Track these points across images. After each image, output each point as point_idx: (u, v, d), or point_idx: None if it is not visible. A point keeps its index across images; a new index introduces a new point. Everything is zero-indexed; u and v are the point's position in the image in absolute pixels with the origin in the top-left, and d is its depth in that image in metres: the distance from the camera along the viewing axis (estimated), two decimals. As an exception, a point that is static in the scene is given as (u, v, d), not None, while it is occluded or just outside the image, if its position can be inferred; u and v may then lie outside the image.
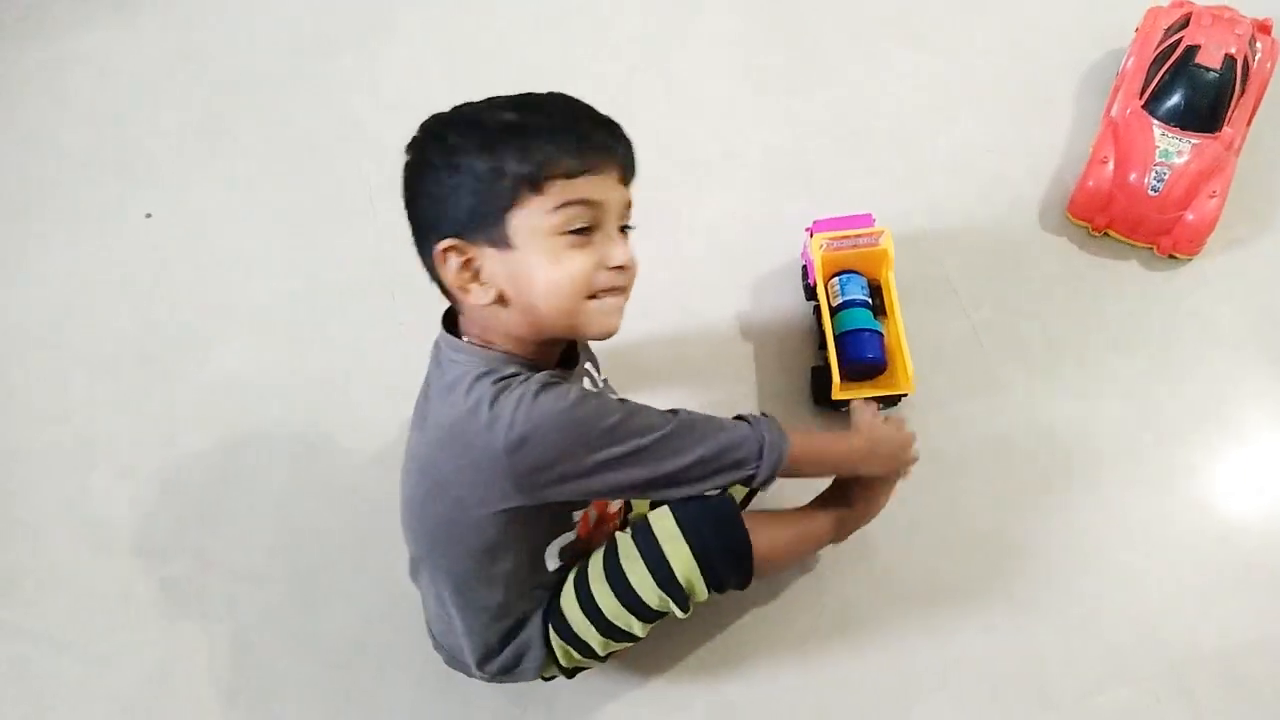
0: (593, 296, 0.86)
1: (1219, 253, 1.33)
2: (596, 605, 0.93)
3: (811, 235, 1.24)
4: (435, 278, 0.89)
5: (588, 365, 1.03)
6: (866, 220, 1.25)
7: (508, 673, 1.00)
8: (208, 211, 1.50)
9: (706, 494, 0.90)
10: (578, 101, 0.87)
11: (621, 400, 0.89)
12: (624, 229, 0.89)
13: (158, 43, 1.67)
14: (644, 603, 0.92)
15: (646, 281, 1.21)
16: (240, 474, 1.29)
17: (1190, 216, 1.27)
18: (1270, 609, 1.13)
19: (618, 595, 0.92)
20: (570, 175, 0.82)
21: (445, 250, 0.84)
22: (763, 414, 0.94)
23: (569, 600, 0.95)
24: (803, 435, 0.94)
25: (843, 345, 1.19)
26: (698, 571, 0.91)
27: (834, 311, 1.21)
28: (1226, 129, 1.28)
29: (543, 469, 0.82)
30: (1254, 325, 1.28)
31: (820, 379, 1.22)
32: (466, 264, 0.85)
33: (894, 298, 1.21)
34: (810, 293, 1.29)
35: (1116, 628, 1.13)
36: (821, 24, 1.56)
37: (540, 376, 0.84)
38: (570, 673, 1.03)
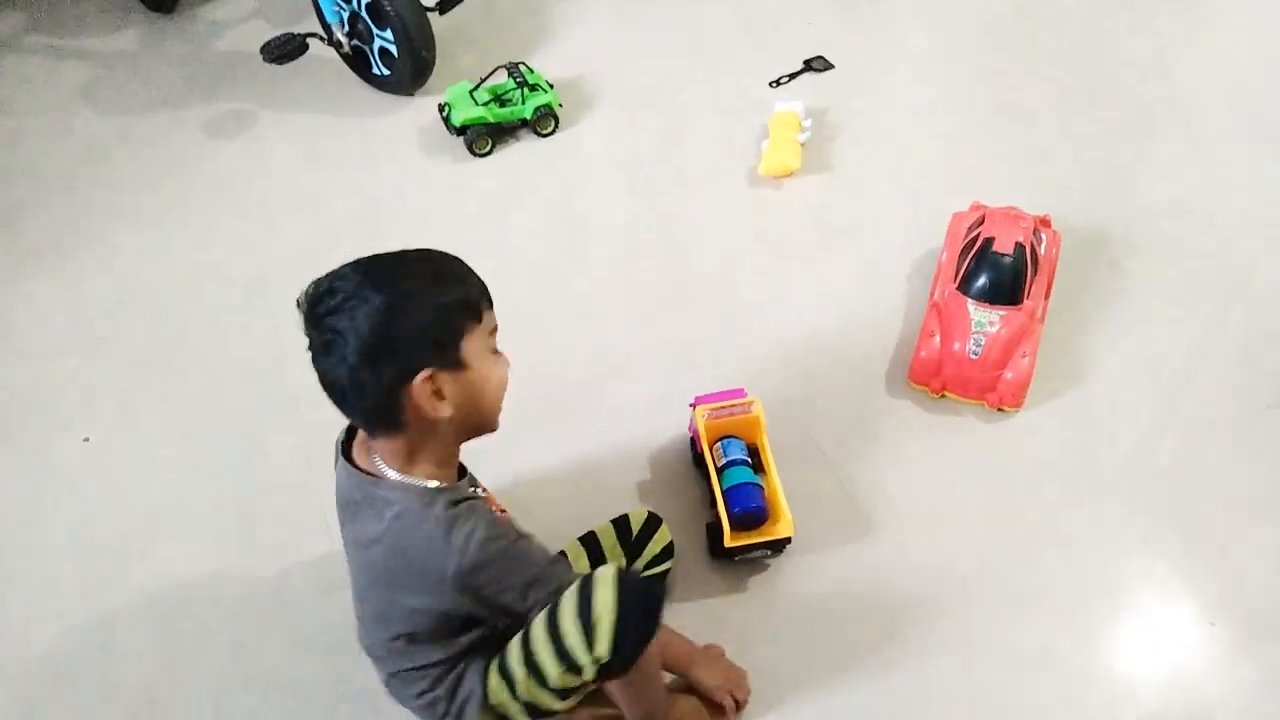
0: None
1: (1041, 404, 1.56)
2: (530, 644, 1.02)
3: (695, 408, 1.44)
4: (390, 413, 1.00)
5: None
6: (740, 393, 1.45)
7: None
8: (143, 432, 1.62)
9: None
10: (443, 254, 1.06)
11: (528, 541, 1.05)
12: None
13: (95, 287, 1.85)
14: (563, 642, 0.99)
15: (555, 458, 1.40)
16: (176, 673, 1.34)
17: (1009, 375, 1.52)
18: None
19: (549, 633, 1.00)
20: (489, 306, 1.04)
21: (424, 380, 0.98)
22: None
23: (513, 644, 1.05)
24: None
25: (730, 499, 1.35)
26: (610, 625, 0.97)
27: (719, 471, 1.39)
28: (1027, 301, 1.55)
29: (482, 589, 1.00)
30: (1078, 461, 1.50)
31: (714, 533, 1.38)
32: (437, 390, 1.00)
33: (769, 456, 1.40)
34: (698, 460, 1.47)
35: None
36: (699, 239, 1.84)
37: (484, 514, 1.01)
38: None
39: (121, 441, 1.62)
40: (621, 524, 1.36)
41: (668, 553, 1.36)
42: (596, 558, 1.33)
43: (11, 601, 1.44)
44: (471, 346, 1.02)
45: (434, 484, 1.04)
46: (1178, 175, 1.91)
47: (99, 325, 1.78)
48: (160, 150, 2.11)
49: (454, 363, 1.01)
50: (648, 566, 1.33)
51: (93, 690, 1.33)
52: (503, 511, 1.18)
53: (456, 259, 1.05)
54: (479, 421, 1.07)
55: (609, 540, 1.35)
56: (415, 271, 1.01)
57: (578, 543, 1.35)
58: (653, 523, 1.36)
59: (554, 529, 1.43)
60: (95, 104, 2.24)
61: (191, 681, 1.34)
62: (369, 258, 1.02)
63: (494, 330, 1.06)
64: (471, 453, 1.35)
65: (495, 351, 1.07)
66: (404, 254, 1.03)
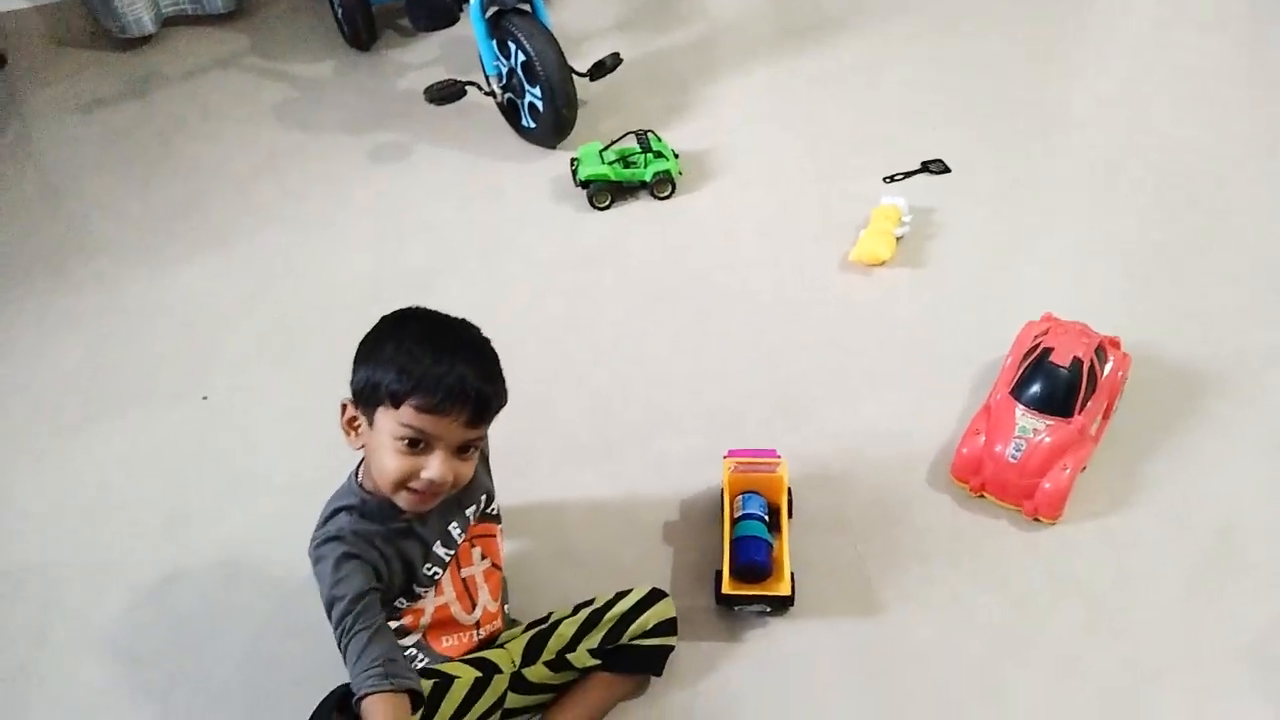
0: (406, 488, 1.14)
1: (1081, 522, 1.55)
2: None
3: (725, 459, 1.52)
4: None
5: (459, 517, 1.28)
6: (771, 453, 1.52)
7: None
8: (254, 403, 1.83)
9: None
10: (473, 357, 1.14)
11: (364, 587, 1.13)
12: (463, 450, 1.15)
13: (243, 274, 2.11)
14: None
15: (596, 486, 1.55)
16: (227, 610, 1.51)
17: (1047, 485, 1.52)
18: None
19: None
20: (419, 410, 1.10)
21: (343, 403, 1.18)
22: (392, 672, 1.08)
23: None
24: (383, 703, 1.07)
25: (736, 549, 1.42)
26: None
27: (734, 522, 1.46)
28: (1078, 416, 1.55)
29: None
30: (1106, 585, 1.48)
31: (721, 581, 1.44)
32: (351, 420, 1.18)
33: (784, 518, 1.46)
34: (726, 513, 1.55)
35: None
36: (778, 312, 1.93)
37: (338, 526, 1.18)
38: None
39: (234, 406, 1.83)
40: (623, 594, 1.36)
41: (666, 629, 1.35)
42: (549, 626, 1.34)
43: (112, 519, 1.65)
44: (381, 419, 1.13)
45: (359, 483, 1.22)
46: (1285, 326, 1.86)
47: (239, 306, 2.03)
48: (326, 167, 2.38)
49: (367, 415, 1.15)
50: (642, 637, 1.33)
51: (152, 608, 1.52)
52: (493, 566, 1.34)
53: (449, 365, 1.11)
54: (378, 481, 1.16)
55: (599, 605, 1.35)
56: (404, 342, 1.13)
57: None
58: (653, 597, 1.36)
59: (573, 546, 1.55)
60: (284, 120, 2.55)
61: (238, 618, 1.50)
62: (425, 311, 1.20)
63: (411, 430, 1.11)
64: (525, 463, 1.51)
65: (407, 445, 1.12)
66: (424, 322, 1.18)
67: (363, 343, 1.17)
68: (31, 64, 2.86)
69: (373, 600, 1.13)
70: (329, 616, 1.12)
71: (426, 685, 1.21)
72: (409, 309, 1.20)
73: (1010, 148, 2.32)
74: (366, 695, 1.06)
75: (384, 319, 1.19)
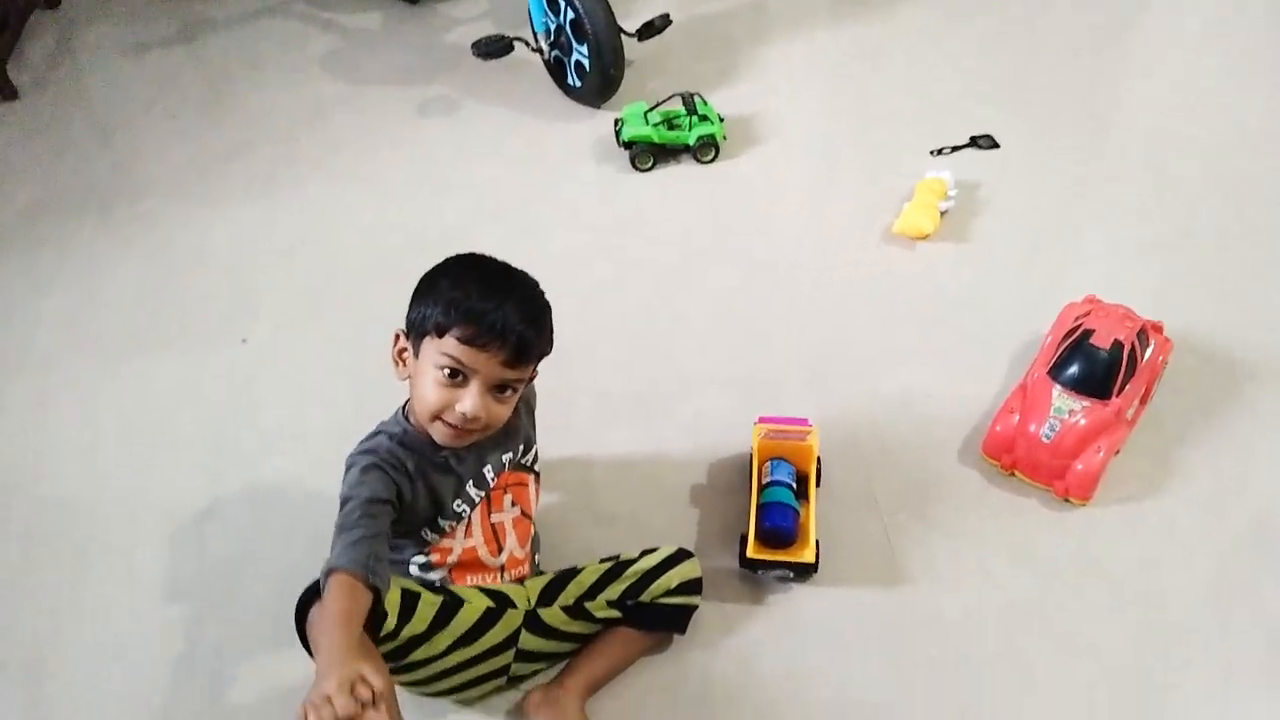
0: (441, 420, 1.19)
1: (1111, 505, 1.54)
2: None
3: (755, 425, 1.52)
4: None
5: (494, 460, 1.31)
6: (803, 422, 1.52)
7: None
8: (292, 348, 1.86)
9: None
10: (521, 300, 1.19)
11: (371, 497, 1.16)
12: (501, 390, 1.20)
13: (285, 222, 2.13)
14: None
15: (627, 447, 1.59)
16: (256, 554, 1.54)
17: (1079, 466, 1.51)
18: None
19: None
20: (460, 340, 1.15)
21: (396, 333, 1.23)
22: (372, 568, 1.08)
23: None
24: (340, 595, 1.06)
25: (762, 514, 1.43)
26: None
27: (762, 488, 1.46)
28: (1115, 399, 1.53)
29: None
30: (1133, 569, 1.47)
31: (744, 543, 1.44)
32: (401, 351, 1.23)
33: (812, 486, 1.47)
34: (753, 477, 1.55)
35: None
36: (817, 281, 1.92)
37: (376, 444, 1.22)
38: None
39: (273, 351, 1.86)
40: (649, 551, 1.37)
41: (690, 588, 1.35)
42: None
43: (155, 459, 1.69)
44: (426, 348, 1.19)
45: (404, 415, 1.27)
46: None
47: (280, 254, 2.05)
48: (371, 118, 2.39)
49: (414, 345, 1.21)
50: (665, 595, 1.33)
51: (187, 546, 1.56)
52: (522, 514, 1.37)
53: (496, 306, 1.16)
54: (417, 410, 1.22)
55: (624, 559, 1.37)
56: (459, 279, 1.20)
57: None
58: (679, 556, 1.36)
59: (603, 504, 1.57)
60: (331, 71, 2.56)
61: (269, 559, 1.53)
62: (487, 256, 1.25)
63: (451, 360, 1.16)
64: (559, 420, 1.53)
65: (446, 376, 1.17)
66: (481, 268, 1.23)
67: (422, 278, 1.22)
68: (84, 5, 2.88)
69: (384, 511, 1.16)
70: (339, 513, 1.15)
71: (435, 600, 1.21)
72: (472, 253, 1.25)
73: (1061, 126, 2.27)
74: (338, 570, 1.07)
75: (447, 259, 1.23)
